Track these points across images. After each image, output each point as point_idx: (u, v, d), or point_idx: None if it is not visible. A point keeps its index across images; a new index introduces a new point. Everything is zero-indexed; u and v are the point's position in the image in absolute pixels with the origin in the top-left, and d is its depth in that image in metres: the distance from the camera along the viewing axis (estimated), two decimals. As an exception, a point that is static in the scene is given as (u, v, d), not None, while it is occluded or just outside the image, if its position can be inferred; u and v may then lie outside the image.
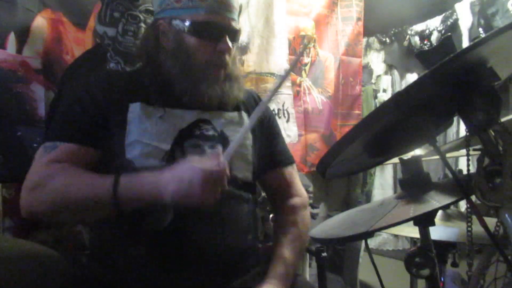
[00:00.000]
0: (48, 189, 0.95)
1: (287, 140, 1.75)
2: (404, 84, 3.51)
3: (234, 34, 1.10)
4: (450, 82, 0.60)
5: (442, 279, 1.06)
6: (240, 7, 1.22)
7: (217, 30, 1.06)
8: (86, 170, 0.99)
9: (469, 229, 0.72)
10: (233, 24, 1.09)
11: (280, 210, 1.22)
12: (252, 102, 1.22)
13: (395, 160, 0.85)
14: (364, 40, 3.20)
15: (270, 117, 1.26)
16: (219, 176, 0.89)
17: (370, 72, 3.52)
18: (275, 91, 1.17)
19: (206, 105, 1.09)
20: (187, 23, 1.05)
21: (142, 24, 1.59)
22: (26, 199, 0.97)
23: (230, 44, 1.07)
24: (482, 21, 2.84)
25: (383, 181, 3.50)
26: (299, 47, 2.24)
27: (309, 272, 1.98)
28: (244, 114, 1.17)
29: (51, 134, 1.04)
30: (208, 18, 1.05)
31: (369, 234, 0.64)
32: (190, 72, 1.06)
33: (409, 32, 3.34)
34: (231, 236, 1.05)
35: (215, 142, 1.06)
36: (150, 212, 0.99)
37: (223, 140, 1.08)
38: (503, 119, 0.62)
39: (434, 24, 3.17)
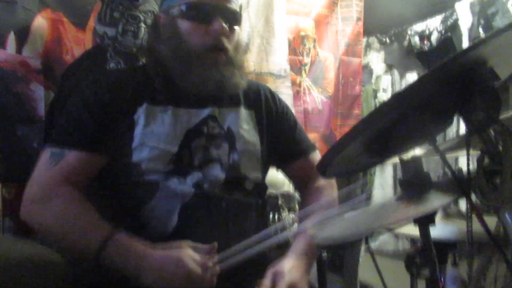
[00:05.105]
0: (44, 215, 0.96)
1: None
2: (404, 84, 3.50)
3: (231, 14, 1.05)
4: (450, 82, 0.60)
5: (442, 279, 1.06)
6: (240, 6, 1.22)
7: (208, 11, 1.02)
8: (87, 205, 0.97)
9: (469, 229, 0.72)
10: (228, 4, 1.05)
11: (306, 192, 1.22)
12: (258, 100, 1.17)
13: (395, 160, 0.85)
14: (364, 40, 3.19)
15: (283, 108, 1.22)
16: (203, 285, 0.88)
17: (370, 72, 3.51)
18: None
19: (212, 100, 1.07)
20: (180, 8, 1.03)
21: (142, 24, 1.59)
22: (25, 210, 0.99)
23: (224, 25, 1.03)
24: (482, 21, 2.83)
25: (383, 181, 3.49)
26: (299, 47, 2.24)
27: (309, 272, 1.97)
28: (250, 112, 1.14)
29: (58, 139, 1.01)
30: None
31: (369, 234, 0.64)
32: (185, 56, 1.03)
33: (409, 32, 3.33)
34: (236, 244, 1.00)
35: (221, 140, 1.05)
36: (154, 217, 0.99)
37: (230, 138, 1.07)
38: (502, 116, 0.62)
39: (434, 24, 3.17)
